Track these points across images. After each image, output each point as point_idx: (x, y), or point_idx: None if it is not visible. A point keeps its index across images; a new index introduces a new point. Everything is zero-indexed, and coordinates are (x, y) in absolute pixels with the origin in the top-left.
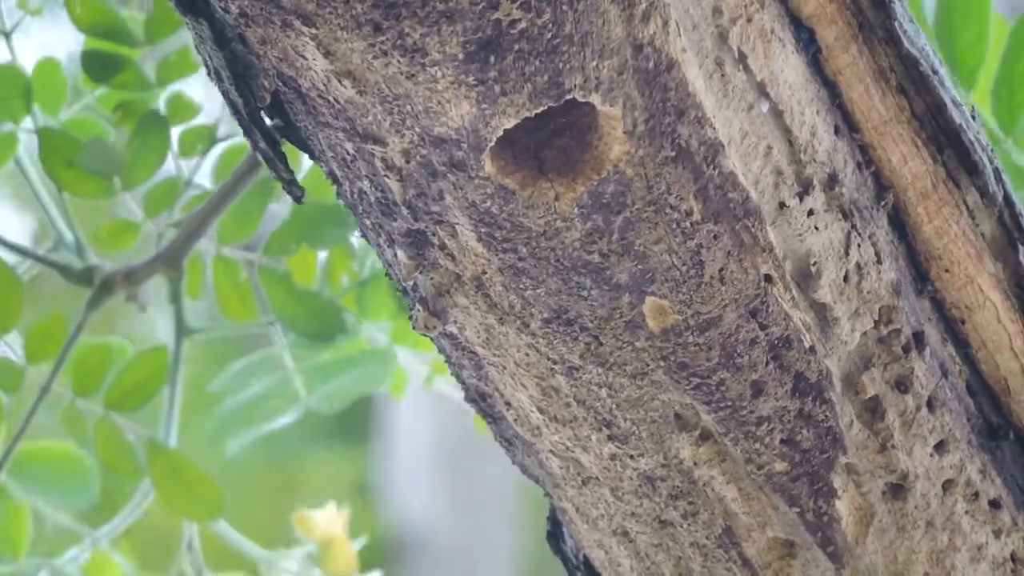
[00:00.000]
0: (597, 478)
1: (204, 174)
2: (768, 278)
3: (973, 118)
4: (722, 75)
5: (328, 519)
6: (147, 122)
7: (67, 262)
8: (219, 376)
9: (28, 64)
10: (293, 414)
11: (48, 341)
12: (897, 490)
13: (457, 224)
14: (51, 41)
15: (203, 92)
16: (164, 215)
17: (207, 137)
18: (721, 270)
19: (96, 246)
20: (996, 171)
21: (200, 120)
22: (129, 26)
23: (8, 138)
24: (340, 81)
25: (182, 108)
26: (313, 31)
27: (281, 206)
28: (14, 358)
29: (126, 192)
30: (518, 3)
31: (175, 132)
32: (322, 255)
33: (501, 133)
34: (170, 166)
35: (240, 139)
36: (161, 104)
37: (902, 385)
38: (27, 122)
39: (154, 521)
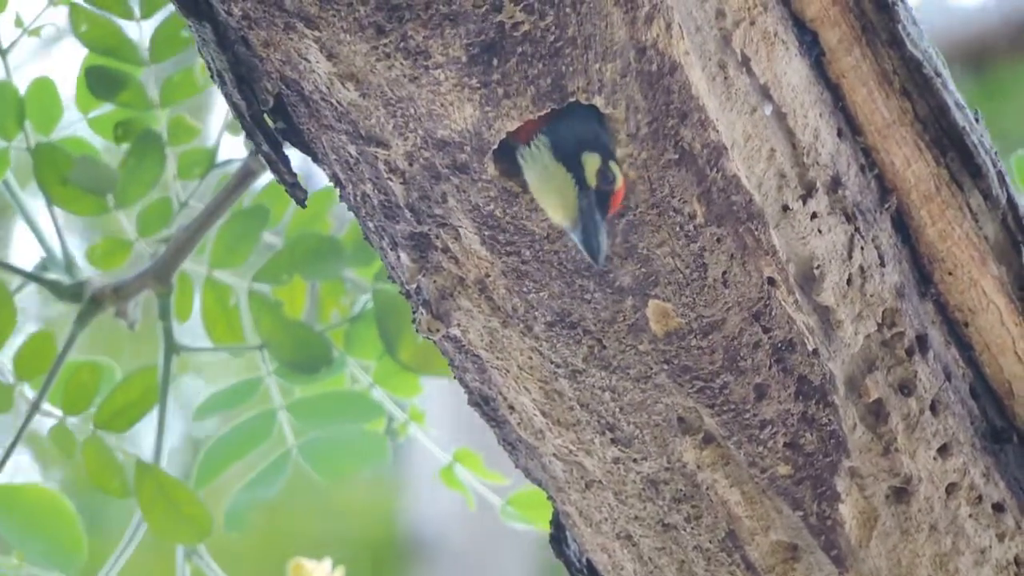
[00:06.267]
0: (600, 482)
1: (203, 196)
2: (771, 281)
3: (977, 121)
4: (725, 78)
5: (322, 572)
6: (143, 141)
7: (56, 279)
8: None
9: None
10: (281, 475)
11: (38, 358)
12: (901, 494)
13: (460, 227)
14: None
15: (205, 117)
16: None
17: (205, 160)
18: (724, 273)
19: (91, 263)
20: (1000, 174)
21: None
22: (133, 44)
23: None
24: (343, 84)
25: (182, 130)
26: (316, 33)
27: (275, 236)
28: (2, 377)
29: (120, 210)
30: (521, 6)
31: (175, 154)
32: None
33: (504, 136)
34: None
35: (238, 164)
36: (163, 125)
37: (905, 388)
38: (19, 140)
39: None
